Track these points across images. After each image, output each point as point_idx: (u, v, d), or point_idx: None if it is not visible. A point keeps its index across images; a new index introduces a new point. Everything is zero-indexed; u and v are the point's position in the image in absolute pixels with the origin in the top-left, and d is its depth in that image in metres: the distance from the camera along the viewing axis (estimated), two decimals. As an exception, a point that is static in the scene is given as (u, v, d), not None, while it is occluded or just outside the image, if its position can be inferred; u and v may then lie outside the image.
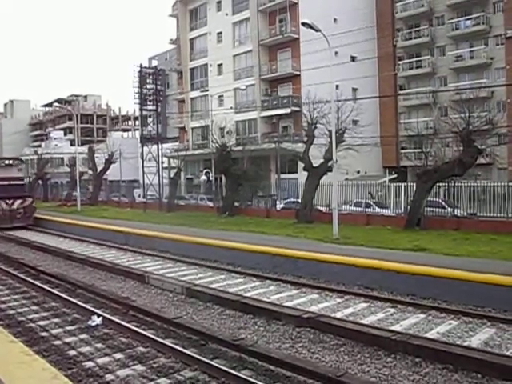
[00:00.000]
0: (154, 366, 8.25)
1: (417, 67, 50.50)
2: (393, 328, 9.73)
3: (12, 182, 31.70)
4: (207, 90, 52.14)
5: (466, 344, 8.82)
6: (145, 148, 44.28)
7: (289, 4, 47.04)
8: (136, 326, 10.21)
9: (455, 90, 44.61)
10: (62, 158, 70.90)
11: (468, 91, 42.69)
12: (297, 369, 7.59)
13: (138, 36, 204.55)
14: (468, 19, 46.90)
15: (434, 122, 45.23)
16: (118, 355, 8.77)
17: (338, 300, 12.29)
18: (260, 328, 10.26)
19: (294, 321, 10.22)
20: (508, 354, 8.23)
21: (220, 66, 54.29)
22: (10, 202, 30.58)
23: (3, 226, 29.76)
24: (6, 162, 33.73)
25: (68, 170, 53.76)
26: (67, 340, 9.66)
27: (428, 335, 9.31)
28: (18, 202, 31.06)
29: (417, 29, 50.27)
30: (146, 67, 51.35)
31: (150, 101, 54.00)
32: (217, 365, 7.96)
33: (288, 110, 45.73)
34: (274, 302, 11.87)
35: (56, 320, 11.06)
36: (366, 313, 11.13)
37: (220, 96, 52.71)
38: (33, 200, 32.73)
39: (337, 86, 39.64)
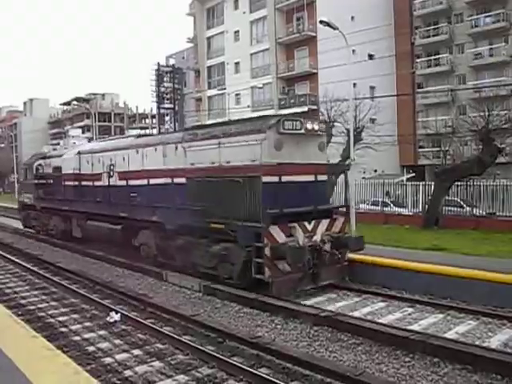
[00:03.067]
0: (172, 362, 8.30)
1: (435, 65, 50.02)
2: (411, 327, 9.68)
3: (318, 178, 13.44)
4: (224, 89, 52.17)
5: (485, 345, 8.74)
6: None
7: (306, 2, 46.87)
8: (153, 323, 10.29)
9: (474, 88, 44.12)
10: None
11: (487, 89, 42.19)
12: (314, 367, 7.58)
13: (156, 35, 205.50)
14: (487, 16, 46.32)
15: (452, 121, 44.67)
16: (136, 351, 8.84)
17: (356, 299, 12.24)
18: (277, 326, 10.26)
19: (312, 319, 10.20)
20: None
21: (237, 64, 54.31)
22: (310, 227, 12.61)
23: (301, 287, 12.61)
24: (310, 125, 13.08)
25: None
26: (86, 336, 9.77)
27: (447, 335, 9.23)
28: (325, 224, 13.03)
29: (435, 26, 49.79)
30: (163, 66, 51.71)
31: (167, 99, 54.35)
32: (235, 362, 7.98)
33: (305, 109, 45.55)
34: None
35: (75, 316, 11.18)
36: (384, 312, 11.07)
37: (237, 94, 52.78)
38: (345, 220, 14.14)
39: (354, 85, 39.51)
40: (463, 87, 46.80)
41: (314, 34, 45.93)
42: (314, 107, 44.50)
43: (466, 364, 7.82)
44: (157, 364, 8.27)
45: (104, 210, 18.07)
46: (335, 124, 27.17)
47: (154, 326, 10.02)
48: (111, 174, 18.08)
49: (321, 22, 19.51)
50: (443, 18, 49.40)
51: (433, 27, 49.95)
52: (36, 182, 24.34)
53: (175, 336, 9.37)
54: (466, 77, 47.85)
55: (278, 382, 7.13)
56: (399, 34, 50.21)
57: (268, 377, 7.36)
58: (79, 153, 21.03)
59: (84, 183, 20.38)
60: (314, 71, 46.73)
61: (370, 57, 44.30)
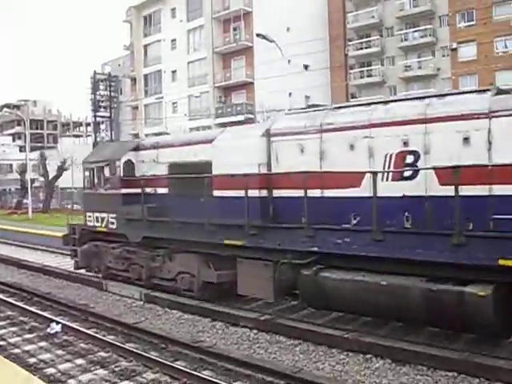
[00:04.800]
0: (116, 369, 8.46)
1: (368, 76, 51.98)
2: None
3: None
4: (161, 97, 52.04)
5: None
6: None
7: (243, 13, 47.67)
8: (96, 332, 10.35)
9: (404, 99, 46.13)
10: (11, 165, 69.04)
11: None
12: (255, 367, 7.96)
13: (90, 41, 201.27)
14: (416, 31, 48.69)
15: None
16: (80, 361, 8.93)
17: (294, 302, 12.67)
18: (219, 331, 10.56)
19: (252, 323, 10.57)
20: (452, 347, 8.80)
21: (174, 72, 54.34)
22: None
23: None
24: None
25: (17, 176, 52.22)
26: (26, 348, 9.73)
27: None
28: None
29: (368, 39, 51.78)
30: (99, 73, 50.96)
31: (103, 107, 53.59)
32: (178, 366, 8.23)
33: (242, 118, 46.21)
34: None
35: (13, 329, 11.06)
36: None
37: (174, 103, 52.82)
38: None
39: (290, 94, 40.55)
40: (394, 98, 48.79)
41: (250, 44, 46.75)
42: (251, 116, 45.25)
43: (395, 358, 8.42)
44: (101, 372, 8.39)
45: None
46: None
47: (97, 335, 10.08)
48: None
49: (257, 35, 20.15)
50: (375, 32, 51.45)
51: (365, 40, 51.91)
52: (125, 191, 13.92)
53: (118, 344, 9.49)
54: (397, 88, 49.97)
55: (220, 382, 7.45)
56: (333, 46, 51.92)
57: (211, 378, 7.66)
58: (268, 133, 11.06)
59: (281, 193, 10.68)
60: (251, 81, 47.51)
61: (305, 67, 45.54)
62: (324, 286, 9.58)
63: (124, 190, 14.03)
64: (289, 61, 36.76)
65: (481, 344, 8.51)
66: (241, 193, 10.66)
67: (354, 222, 9.41)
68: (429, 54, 48.28)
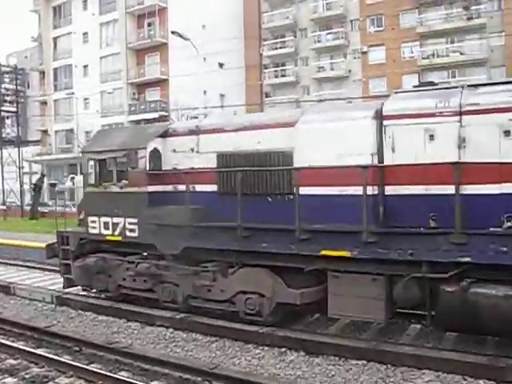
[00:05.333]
0: (27, 377, 8.14)
1: (282, 76, 52.96)
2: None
3: None
4: (72, 93, 50.21)
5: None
6: (4, 151, 41.51)
7: (158, 8, 47.07)
8: (4, 339, 9.90)
9: (317, 100, 47.54)
10: None
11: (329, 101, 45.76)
12: (172, 366, 7.98)
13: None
14: (329, 33, 50.24)
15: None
16: (-14, 370, 8.50)
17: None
18: (134, 331, 10.45)
19: (168, 322, 10.55)
20: (362, 337, 9.29)
21: (86, 67, 52.67)
22: None
23: None
24: None
25: None
26: None
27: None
28: None
29: (282, 40, 52.75)
30: (3, 65, 48.33)
31: (8, 101, 50.92)
32: (93, 369, 8.08)
33: (156, 115, 45.64)
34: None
35: None
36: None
37: (86, 99, 51.21)
38: None
39: (205, 92, 40.56)
40: (307, 98, 50.17)
41: (165, 41, 46.26)
42: (166, 114, 44.81)
43: (310, 351, 8.74)
44: (10, 380, 8.04)
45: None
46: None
47: (5, 342, 9.65)
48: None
49: (172, 32, 20.00)
50: (290, 32, 52.49)
51: (280, 40, 52.86)
52: (154, 189, 11.06)
53: (28, 349, 9.15)
54: (310, 88, 51.35)
55: (137, 383, 7.42)
56: (249, 45, 52.41)
57: (128, 379, 7.60)
58: (380, 115, 8.80)
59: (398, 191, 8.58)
60: (166, 78, 47.01)
61: (220, 65, 45.72)
62: (477, 304, 7.69)
63: (151, 188, 10.96)
64: (204, 58, 36.75)
65: (387, 333, 9.07)
66: (346, 190, 8.62)
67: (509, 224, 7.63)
68: (341, 56, 49.94)
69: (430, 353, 8.07)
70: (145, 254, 11.32)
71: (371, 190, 8.42)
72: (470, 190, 7.79)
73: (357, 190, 8.29)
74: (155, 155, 11.17)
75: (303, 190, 8.89)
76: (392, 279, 8.51)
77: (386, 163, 8.61)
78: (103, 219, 11.65)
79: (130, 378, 7.74)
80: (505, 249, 7.37)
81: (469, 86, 8.68)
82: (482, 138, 7.89)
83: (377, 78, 46.61)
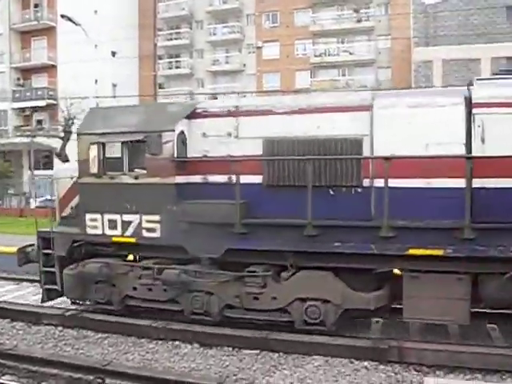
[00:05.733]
0: None
1: (176, 68, 52.42)
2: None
3: None
4: None
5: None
6: None
7: (45, -11, 44.53)
8: None
9: (212, 93, 47.58)
10: None
11: (223, 94, 46.03)
12: (62, 365, 7.67)
13: None
14: (225, 27, 50.43)
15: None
16: None
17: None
18: (19, 332, 9.88)
19: (56, 320, 10.11)
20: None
21: (-36, 48, 48.60)
22: None
23: None
24: None
25: None
26: None
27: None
28: None
29: (177, 30, 52.15)
30: None
31: None
32: (-28, 375, 7.54)
33: (43, 103, 43.29)
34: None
35: None
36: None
37: (-37, 82, 47.31)
38: None
39: (96, 81, 39.12)
40: (202, 91, 50.09)
41: (53, 24, 43.93)
42: (54, 102, 42.68)
43: (203, 343, 8.78)
44: None
45: None
46: (75, 121, 26.60)
47: None
48: None
49: (62, 16, 19.03)
50: (185, 24, 52.01)
51: (175, 31, 52.21)
52: (183, 180, 9.39)
53: None
54: (205, 81, 51.28)
55: (24, 385, 7.04)
56: (143, 35, 51.28)
57: (11, 383, 7.20)
58: (469, 103, 8.09)
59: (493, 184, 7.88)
60: (53, 64, 44.66)
61: (113, 54, 44.29)
62: None
63: (180, 179, 9.28)
64: (95, 46, 35.37)
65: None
66: (434, 182, 7.94)
67: None
68: (236, 50, 50.41)
69: (319, 339, 8.39)
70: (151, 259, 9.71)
71: (464, 184, 7.72)
72: None
73: (447, 183, 7.84)
74: (180, 140, 9.36)
75: (381, 183, 8.04)
76: (477, 278, 8.02)
77: (474, 154, 7.88)
78: (109, 216, 9.59)
79: (16, 381, 7.34)
80: None
81: None
82: None
83: (271, 73, 47.62)
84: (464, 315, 8.02)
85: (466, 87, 8.38)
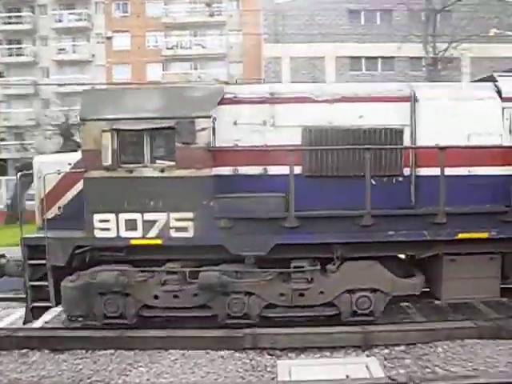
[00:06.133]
0: None
1: (18, 55, 48.55)
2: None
3: None
4: None
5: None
6: None
7: None
8: None
9: (58, 84, 44.88)
10: None
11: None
12: None
13: None
14: (71, 14, 47.76)
15: (35, 114, 44.69)
16: None
17: None
18: None
19: None
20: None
21: None
22: None
23: None
24: None
25: None
26: None
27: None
28: None
29: (18, 14, 48.27)
30: None
31: None
32: None
33: None
34: None
35: None
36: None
37: None
38: None
39: None
40: (47, 81, 47.04)
41: None
42: None
43: (53, 347, 8.22)
44: None
45: None
46: None
47: None
48: None
49: None
50: (27, 7, 48.33)
51: (15, 14, 48.27)
52: (222, 172, 8.59)
53: None
54: (50, 70, 48.20)
55: None
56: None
57: None
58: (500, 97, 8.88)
59: None
60: None
61: None
62: None
63: (216, 171, 8.41)
64: None
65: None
66: (476, 170, 8.44)
67: None
68: (84, 39, 48.08)
69: (175, 333, 8.33)
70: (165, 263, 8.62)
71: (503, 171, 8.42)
72: None
73: (488, 171, 8.36)
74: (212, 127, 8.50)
75: (425, 171, 8.44)
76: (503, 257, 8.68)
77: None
78: (126, 216, 8.31)
79: None
80: None
81: None
82: None
83: (121, 64, 46.21)
84: (496, 292, 8.71)
85: (492, 83, 8.98)
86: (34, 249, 8.54)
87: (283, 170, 8.23)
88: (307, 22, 38.55)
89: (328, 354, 7.88)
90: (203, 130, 8.18)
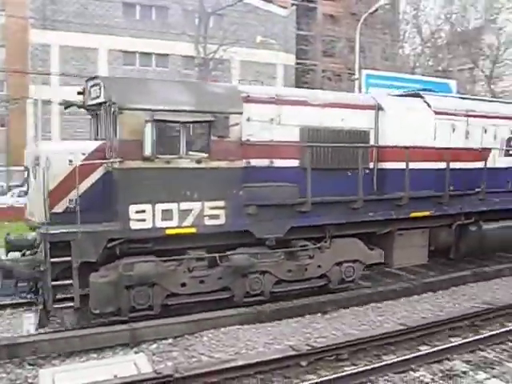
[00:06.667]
0: None
1: None
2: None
3: None
4: None
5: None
6: None
7: None
8: None
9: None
10: None
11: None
12: None
13: None
14: None
15: None
16: None
17: None
18: None
19: None
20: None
21: None
22: None
23: None
24: None
25: None
26: None
27: None
28: None
29: None
30: None
31: None
32: None
33: None
34: None
35: None
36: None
37: None
38: None
39: None
40: None
41: None
42: None
43: None
44: None
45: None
46: None
47: None
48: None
49: None
50: None
51: None
52: (253, 163, 9.25)
53: None
54: None
55: None
56: None
57: None
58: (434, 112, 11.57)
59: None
60: None
61: None
62: (485, 235, 12.20)
63: (244, 162, 9.12)
64: None
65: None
66: (425, 165, 11.03)
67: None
68: None
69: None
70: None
71: (437, 165, 11.17)
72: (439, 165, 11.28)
73: (432, 165, 11.06)
74: None
75: (387, 165, 10.67)
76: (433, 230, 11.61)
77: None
78: (162, 206, 8.38)
79: None
80: (497, 200, 12.21)
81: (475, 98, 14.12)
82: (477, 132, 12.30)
83: None
84: (425, 257, 11.76)
85: (418, 96, 11.85)
86: (54, 245, 7.94)
87: (287, 163, 9.75)
88: (78, 10, 36.56)
89: (95, 355, 7.63)
90: (236, 124, 8.92)
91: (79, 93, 9.43)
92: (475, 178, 11.86)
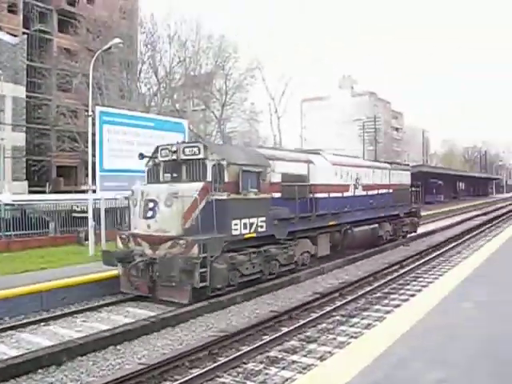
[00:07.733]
0: None
1: None
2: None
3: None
4: None
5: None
6: None
7: None
8: None
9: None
10: None
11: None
12: None
13: None
14: None
15: None
16: None
17: None
18: None
19: None
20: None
21: None
22: None
23: None
24: None
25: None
26: None
27: None
28: None
29: None
30: None
31: None
32: None
33: None
34: None
35: None
36: None
37: None
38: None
39: None
40: None
41: None
42: None
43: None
44: None
45: (364, 216, 20.60)
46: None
47: None
48: (357, 186, 20.39)
49: None
50: None
51: None
52: (276, 195, 15.86)
53: None
54: None
55: None
56: None
57: None
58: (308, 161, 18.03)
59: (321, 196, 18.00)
60: None
61: None
62: (354, 235, 19.37)
63: (272, 195, 14.98)
64: None
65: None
66: (337, 195, 18.55)
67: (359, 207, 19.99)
68: None
69: None
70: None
71: (337, 195, 18.67)
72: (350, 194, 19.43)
73: (335, 195, 18.24)
74: None
75: (318, 195, 17.05)
76: (331, 233, 18.16)
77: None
78: (244, 221, 13.62)
79: None
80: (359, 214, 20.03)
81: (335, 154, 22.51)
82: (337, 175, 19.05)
83: None
84: (328, 249, 18.20)
85: (320, 154, 18.68)
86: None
87: (277, 195, 15.36)
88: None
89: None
90: (268, 173, 14.87)
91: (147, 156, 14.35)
92: (347, 201, 19.07)
